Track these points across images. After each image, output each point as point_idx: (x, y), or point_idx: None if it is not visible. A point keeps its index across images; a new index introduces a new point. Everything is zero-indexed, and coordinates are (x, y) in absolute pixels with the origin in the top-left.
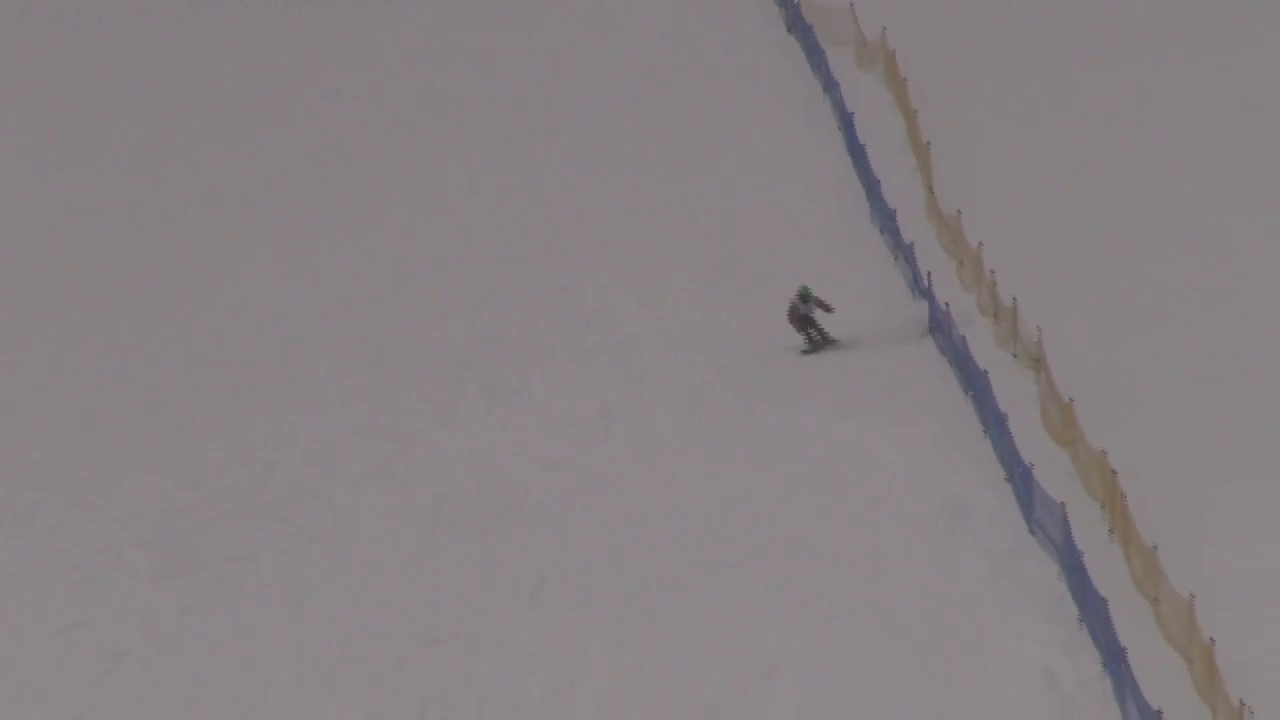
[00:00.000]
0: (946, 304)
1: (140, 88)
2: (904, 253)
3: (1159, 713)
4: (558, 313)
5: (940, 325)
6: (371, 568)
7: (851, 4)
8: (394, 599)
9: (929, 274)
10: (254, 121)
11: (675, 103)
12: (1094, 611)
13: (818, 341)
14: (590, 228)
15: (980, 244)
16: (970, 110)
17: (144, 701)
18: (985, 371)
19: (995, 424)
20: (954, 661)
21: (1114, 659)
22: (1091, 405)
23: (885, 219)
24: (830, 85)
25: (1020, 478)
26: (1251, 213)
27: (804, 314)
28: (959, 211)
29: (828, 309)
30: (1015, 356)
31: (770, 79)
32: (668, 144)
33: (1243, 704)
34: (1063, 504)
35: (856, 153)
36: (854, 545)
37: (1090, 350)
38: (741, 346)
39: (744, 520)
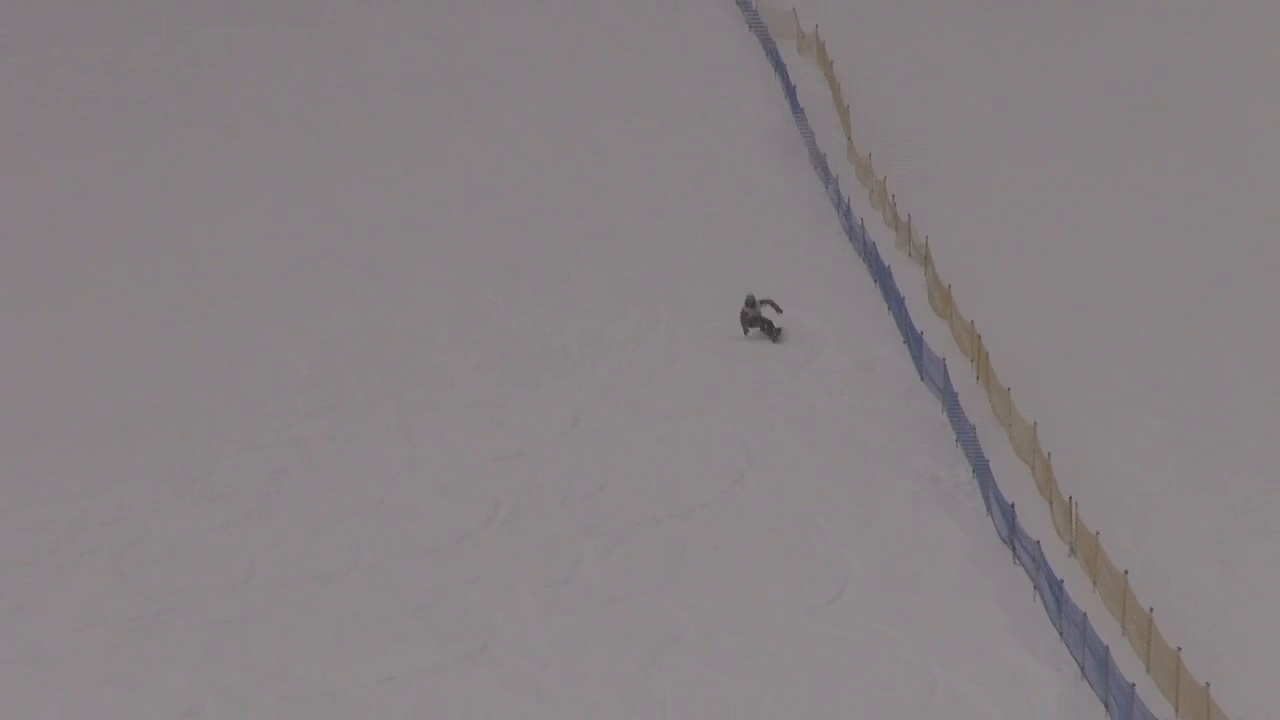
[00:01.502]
0: (862, 220)
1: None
2: (831, 183)
3: (1012, 505)
4: (585, 228)
5: (856, 234)
6: (459, 406)
7: (794, 9)
8: (475, 427)
9: (848, 197)
10: (371, 90)
11: (667, 81)
12: (966, 434)
13: (768, 329)
14: (605, 169)
15: (885, 177)
16: (879, 83)
17: (300, 502)
18: (888, 266)
19: (895, 303)
20: (868, 469)
21: (981, 468)
22: (964, 289)
23: (818, 160)
24: (779, 66)
25: (913, 341)
26: (1094, 126)
27: (752, 316)
28: (869, 154)
29: (778, 309)
30: (909, 255)
31: (736, 63)
32: (662, 110)
33: (1070, 499)
34: (943, 359)
35: (797, 113)
36: (797, 389)
37: (963, 249)
38: (718, 248)
39: (719, 370)
